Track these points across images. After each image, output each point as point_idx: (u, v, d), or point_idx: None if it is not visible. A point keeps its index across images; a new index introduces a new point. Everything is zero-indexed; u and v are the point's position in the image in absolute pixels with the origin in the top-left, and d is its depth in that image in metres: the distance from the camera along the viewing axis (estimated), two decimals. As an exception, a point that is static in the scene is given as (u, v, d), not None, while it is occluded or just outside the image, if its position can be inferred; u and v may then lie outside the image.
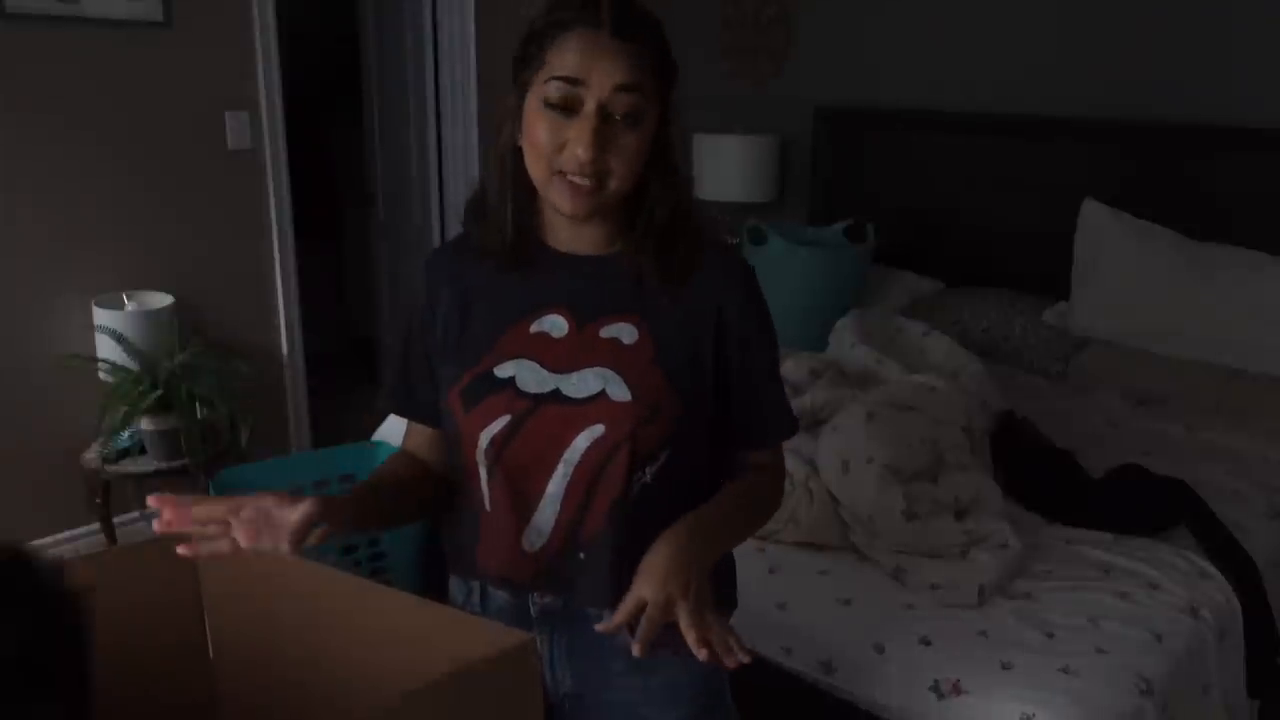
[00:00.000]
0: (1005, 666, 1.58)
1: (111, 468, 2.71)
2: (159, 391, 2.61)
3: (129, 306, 2.78)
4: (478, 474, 1.08)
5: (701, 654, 0.92)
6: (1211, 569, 1.87)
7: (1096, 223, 3.08)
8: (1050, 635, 1.65)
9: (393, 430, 2.62)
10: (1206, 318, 2.79)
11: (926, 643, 1.64)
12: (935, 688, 1.56)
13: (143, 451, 2.74)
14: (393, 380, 1.20)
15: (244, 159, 3.03)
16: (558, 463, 1.04)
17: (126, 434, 2.72)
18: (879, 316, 2.80)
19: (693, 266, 1.07)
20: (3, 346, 2.69)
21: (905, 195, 3.68)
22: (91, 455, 2.74)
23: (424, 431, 1.18)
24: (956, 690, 1.55)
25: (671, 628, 1.04)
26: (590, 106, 0.97)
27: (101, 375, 2.68)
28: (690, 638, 0.93)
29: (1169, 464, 2.18)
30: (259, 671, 1.18)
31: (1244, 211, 2.92)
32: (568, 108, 0.98)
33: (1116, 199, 3.09)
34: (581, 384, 1.04)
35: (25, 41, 2.57)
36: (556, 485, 1.05)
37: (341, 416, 3.59)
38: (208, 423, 2.79)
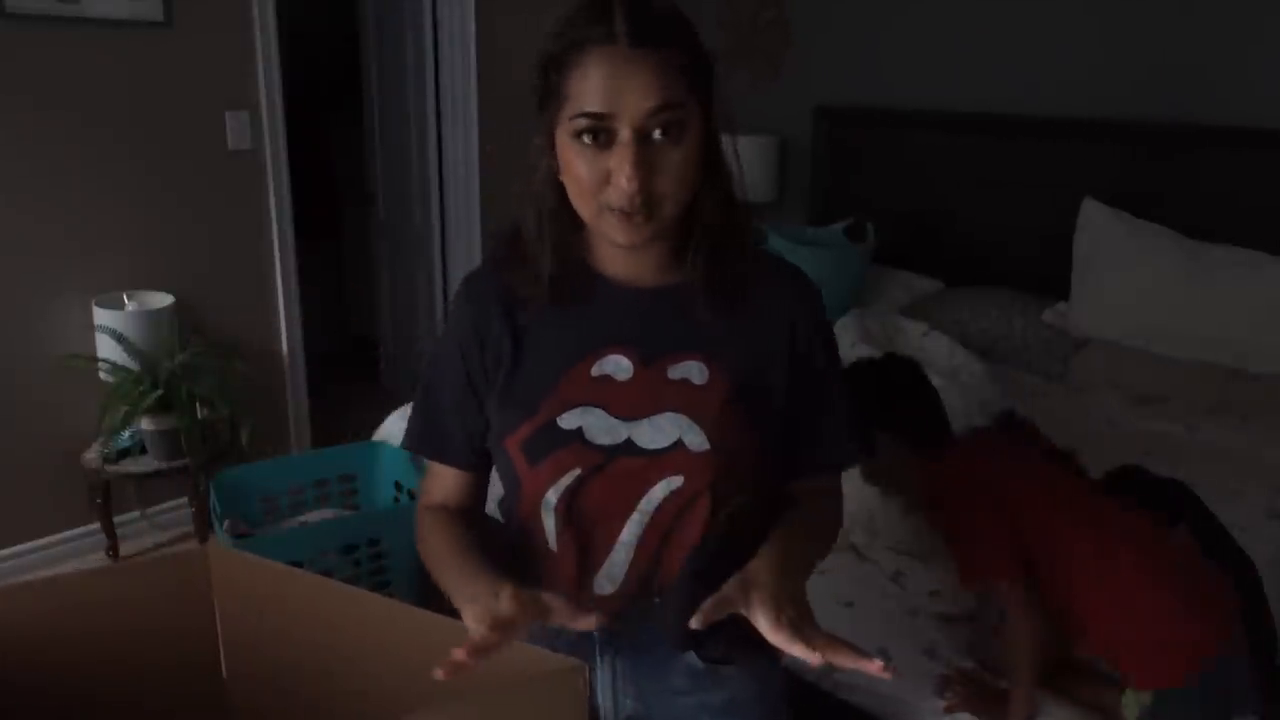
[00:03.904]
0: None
1: (111, 468, 2.71)
2: (159, 391, 2.62)
3: (129, 306, 2.78)
4: (540, 522, 1.02)
5: (814, 658, 0.81)
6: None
7: (1096, 223, 3.08)
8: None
9: (393, 430, 2.62)
10: (1206, 318, 2.79)
11: (930, 655, 1.64)
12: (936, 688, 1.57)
13: (143, 451, 2.75)
14: (417, 418, 1.10)
15: (244, 159, 3.03)
16: (632, 511, 0.98)
17: (126, 434, 2.72)
18: (879, 316, 2.80)
19: (751, 282, 1.00)
20: (3, 346, 2.69)
21: (905, 195, 3.68)
22: (91, 455, 2.74)
23: (454, 475, 1.09)
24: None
25: (738, 643, 0.98)
26: (625, 135, 0.87)
27: (101, 375, 2.68)
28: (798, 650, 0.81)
29: (1169, 464, 2.18)
30: (274, 693, 1.16)
31: (1244, 211, 2.92)
32: (601, 137, 0.89)
33: (1116, 199, 3.09)
34: (655, 432, 0.97)
35: (25, 41, 2.57)
36: (630, 533, 0.99)
37: (341, 416, 3.59)
38: (208, 423, 2.79)
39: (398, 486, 2.48)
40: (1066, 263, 3.14)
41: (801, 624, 0.82)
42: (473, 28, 3.53)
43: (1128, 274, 2.96)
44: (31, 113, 2.62)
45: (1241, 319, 2.74)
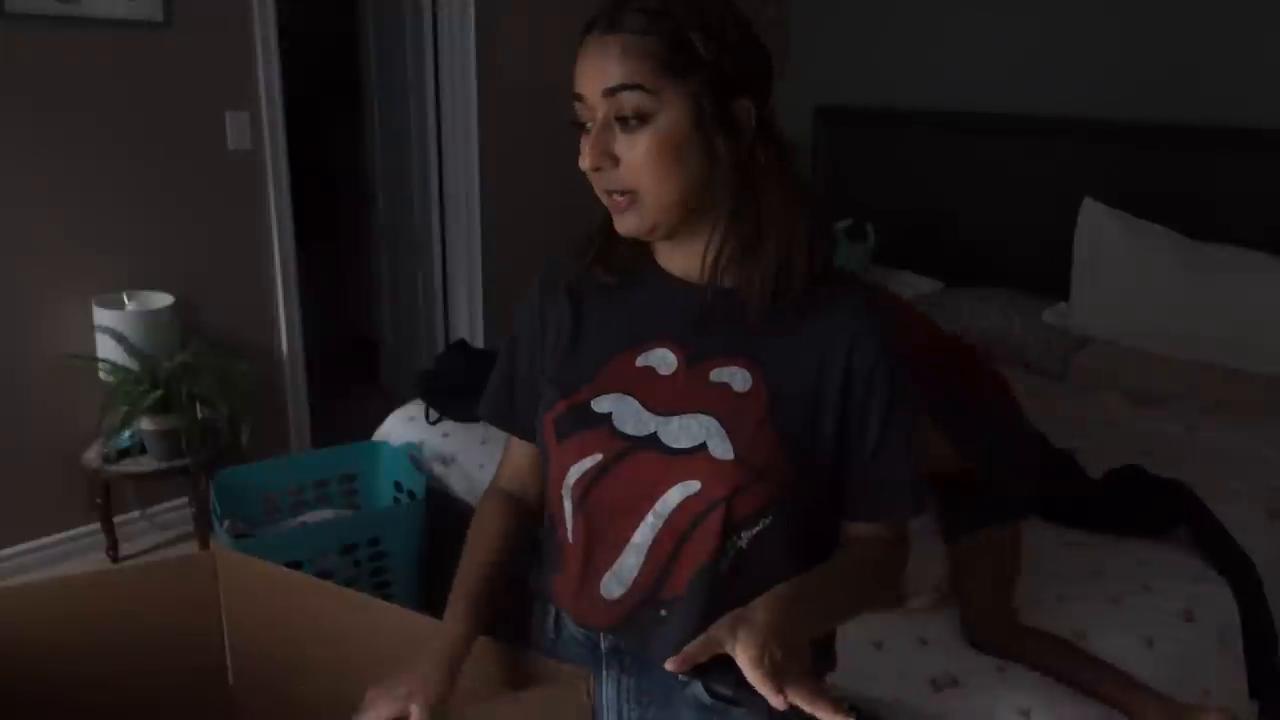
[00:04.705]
0: (999, 666, 1.59)
1: (111, 468, 2.71)
2: (159, 391, 2.62)
3: (129, 306, 2.78)
4: (563, 508, 1.01)
5: (779, 701, 0.78)
6: (1210, 571, 1.87)
7: (1096, 223, 3.08)
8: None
9: (393, 430, 2.62)
10: (1206, 318, 2.79)
11: (923, 642, 1.65)
12: (933, 683, 1.57)
13: (143, 451, 2.75)
14: (494, 390, 1.12)
15: (244, 159, 3.03)
16: (648, 512, 0.95)
17: (126, 434, 2.72)
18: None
19: (813, 301, 0.95)
20: (3, 346, 2.69)
21: (905, 195, 3.68)
22: (91, 455, 2.74)
23: (524, 449, 1.12)
24: (954, 683, 1.55)
25: (749, 684, 0.98)
26: (591, 115, 0.91)
27: (101, 375, 2.68)
28: (768, 692, 0.78)
29: (1168, 464, 2.18)
30: (280, 699, 1.16)
31: (1244, 211, 2.92)
32: (587, 126, 0.92)
33: (1116, 199, 3.09)
34: (682, 432, 0.94)
35: (25, 41, 2.57)
36: (643, 535, 0.96)
37: (341, 416, 3.59)
38: (208, 423, 2.79)
39: (398, 486, 2.48)
40: (1066, 263, 3.13)
41: (788, 667, 0.79)
42: (472, 27, 3.53)
43: (1128, 274, 2.96)
44: (31, 113, 2.62)
45: (1241, 319, 2.74)
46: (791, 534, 0.97)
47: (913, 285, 3.47)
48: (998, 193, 3.45)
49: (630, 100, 0.89)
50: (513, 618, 1.13)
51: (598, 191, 0.95)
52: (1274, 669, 1.88)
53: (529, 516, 1.12)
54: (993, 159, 3.44)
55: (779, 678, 0.78)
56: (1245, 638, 1.83)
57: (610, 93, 0.89)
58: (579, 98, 0.92)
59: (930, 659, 1.61)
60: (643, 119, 0.89)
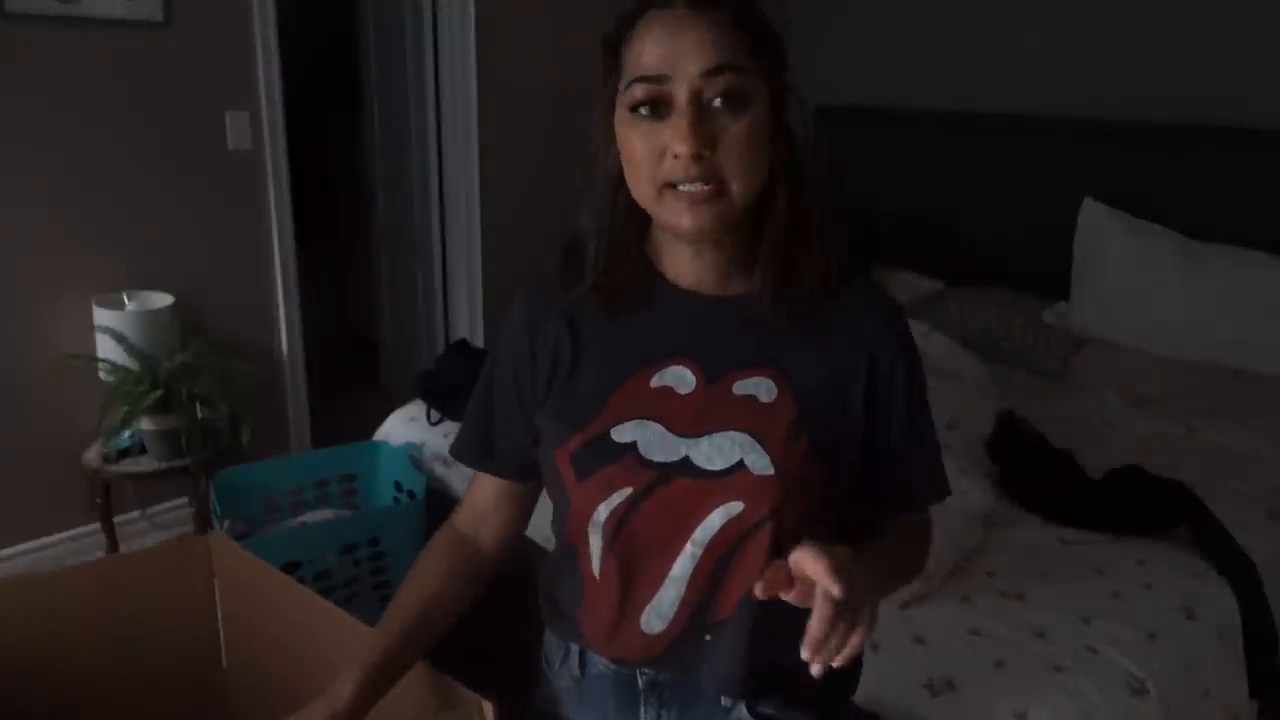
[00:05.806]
0: (998, 665, 1.59)
1: (111, 468, 2.71)
2: (159, 391, 2.61)
3: (129, 306, 2.78)
4: (587, 544, 0.95)
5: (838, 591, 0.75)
6: (1210, 570, 1.87)
7: (1096, 223, 3.08)
8: (1041, 635, 1.65)
9: (393, 430, 2.62)
10: (1206, 318, 2.79)
11: (919, 641, 1.64)
12: (929, 685, 1.56)
13: (143, 451, 2.74)
14: (469, 427, 1.05)
15: (244, 159, 3.03)
16: (685, 542, 0.90)
17: (126, 434, 2.72)
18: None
19: (831, 301, 0.93)
20: (3, 346, 2.69)
21: (905, 195, 3.68)
22: (91, 455, 2.74)
23: (497, 485, 1.05)
24: (950, 688, 1.55)
25: (796, 705, 0.94)
26: (682, 98, 0.83)
27: (101, 375, 2.68)
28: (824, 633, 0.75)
29: (1168, 464, 2.18)
30: (273, 682, 1.18)
31: (1244, 211, 2.92)
32: (658, 108, 0.84)
33: (1116, 199, 3.09)
34: (715, 452, 0.89)
35: (25, 41, 2.57)
36: (683, 566, 0.91)
37: (341, 416, 3.59)
38: (208, 423, 2.79)
39: (398, 486, 2.48)
40: (1066, 263, 3.14)
41: (847, 568, 0.76)
42: (472, 27, 3.53)
43: (1128, 274, 2.96)
44: (31, 113, 2.62)
45: (1241, 319, 2.74)
46: (831, 537, 0.93)
47: (912, 286, 3.47)
48: (998, 193, 3.45)
49: (735, 81, 0.83)
50: (517, 654, 1.11)
51: (664, 183, 0.86)
52: (1274, 669, 1.88)
53: (475, 565, 1.06)
54: (993, 159, 3.44)
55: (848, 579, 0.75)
56: (1245, 638, 1.83)
57: (716, 71, 0.82)
58: (656, 79, 0.83)
59: (927, 660, 1.61)
60: (740, 103, 0.84)
